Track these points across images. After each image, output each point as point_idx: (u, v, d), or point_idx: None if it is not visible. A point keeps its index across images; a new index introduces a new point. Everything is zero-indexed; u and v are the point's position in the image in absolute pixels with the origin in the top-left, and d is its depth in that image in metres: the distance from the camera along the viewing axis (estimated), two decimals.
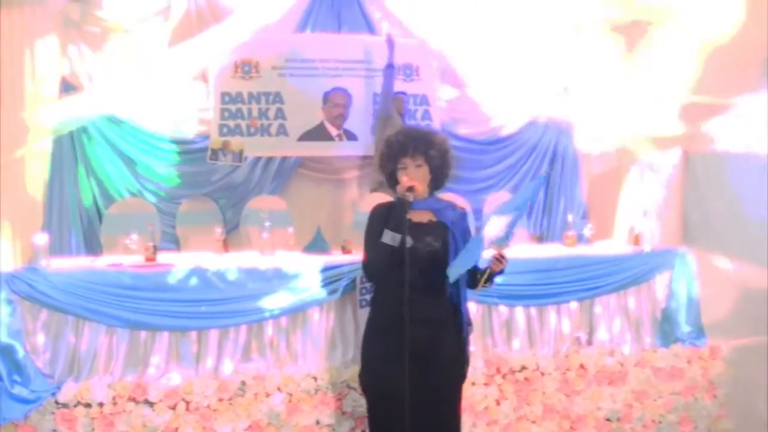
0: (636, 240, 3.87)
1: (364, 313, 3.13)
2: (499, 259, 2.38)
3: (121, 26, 4.49)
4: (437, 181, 2.52)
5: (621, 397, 3.42)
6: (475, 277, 2.47)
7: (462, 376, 2.55)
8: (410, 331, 2.28)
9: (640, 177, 4.57)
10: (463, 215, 2.58)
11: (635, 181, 4.53)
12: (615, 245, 4.07)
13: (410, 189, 2.39)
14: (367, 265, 2.50)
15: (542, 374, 3.34)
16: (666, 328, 3.60)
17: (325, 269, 3.19)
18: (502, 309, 3.41)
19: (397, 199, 2.41)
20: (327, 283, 3.18)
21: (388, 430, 2.46)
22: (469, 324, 2.59)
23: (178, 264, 3.15)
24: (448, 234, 2.46)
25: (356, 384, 3.10)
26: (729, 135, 4.21)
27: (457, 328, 2.49)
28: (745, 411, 3.53)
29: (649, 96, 4.68)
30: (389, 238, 2.36)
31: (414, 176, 2.44)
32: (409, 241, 2.33)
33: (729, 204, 3.71)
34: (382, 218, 2.43)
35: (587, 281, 3.51)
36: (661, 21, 4.75)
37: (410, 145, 2.46)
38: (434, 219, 2.50)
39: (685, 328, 3.59)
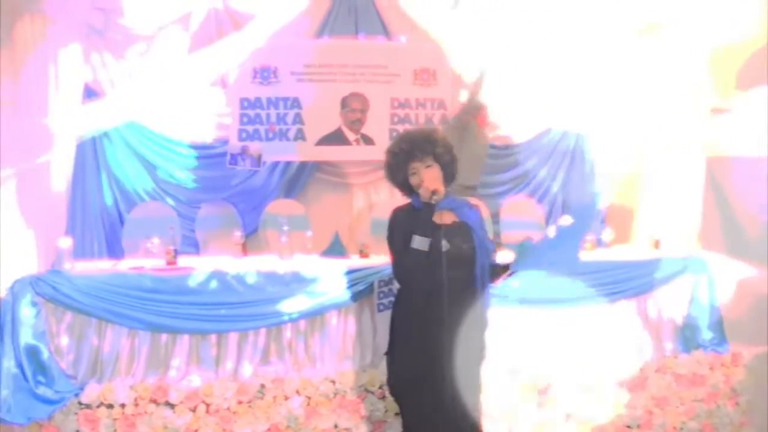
0: (656, 245, 3.83)
1: (382, 317, 3.16)
2: None
3: (143, 33, 4.56)
4: (448, 178, 2.52)
5: (641, 404, 3.39)
6: (495, 271, 2.51)
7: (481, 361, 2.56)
8: (442, 332, 2.35)
9: (660, 182, 4.53)
10: (479, 214, 2.58)
11: (655, 185, 4.49)
12: (634, 250, 4.03)
13: (435, 192, 2.39)
14: (399, 271, 2.49)
15: (562, 380, 3.32)
16: (687, 334, 3.55)
17: (344, 273, 3.21)
18: (521, 313, 3.39)
19: (423, 204, 2.41)
20: (345, 287, 3.19)
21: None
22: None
23: (198, 268, 3.19)
24: (473, 234, 2.47)
25: (374, 388, 3.11)
26: (749, 138, 4.16)
27: (482, 326, 2.51)
28: (767, 418, 3.48)
29: (669, 100, 4.64)
30: (419, 243, 2.36)
31: (430, 178, 2.44)
32: (445, 245, 2.37)
33: (750, 209, 3.66)
34: (404, 222, 2.44)
35: (606, 286, 3.48)
36: (681, 24, 4.72)
37: (416, 149, 2.47)
38: (457, 219, 2.50)
39: (706, 335, 3.54)
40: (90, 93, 4.46)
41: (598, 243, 3.97)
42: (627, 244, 4.32)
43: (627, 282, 3.53)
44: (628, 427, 3.38)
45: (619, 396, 3.37)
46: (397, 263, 2.48)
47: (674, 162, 4.26)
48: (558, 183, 5.12)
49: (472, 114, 4.37)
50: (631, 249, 4.10)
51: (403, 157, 2.48)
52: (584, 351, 3.42)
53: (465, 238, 2.46)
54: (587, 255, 3.76)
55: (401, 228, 2.44)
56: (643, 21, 5.01)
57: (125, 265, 3.35)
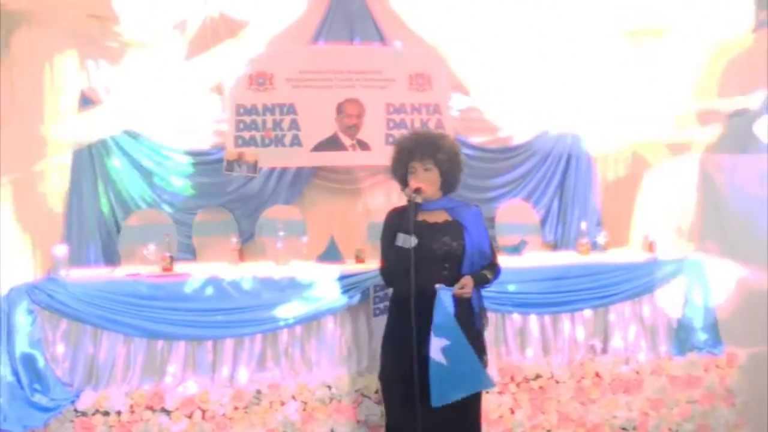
0: (650, 247, 3.85)
1: (378, 322, 3.18)
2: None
3: (138, 41, 4.58)
4: (449, 183, 2.58)
5: (637, 406, 3.40)
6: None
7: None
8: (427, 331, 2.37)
9: (655, 184, 4.55)
10: (478, 213, 2.62)
11: (650, 187, 4.50)
12: (629, 253, 4.05)
13: (417, 191, 2.46)
14: (384, 271, 2.56)
15: (557, 382, 3.33)
16: (681, 336, 3.56)
17: (339, 278, 3.22)
18: (516, 317, 3.41)
19: (408, 203, 2.47)
20: (341, 292, 3.20)
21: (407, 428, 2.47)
22: (485, 317, 2.63)
23: (194, 274, 3.20)
24: (464, 232, 2.51)
25: (370, 392, 3.12)
26: (742, 138, 4.18)
27: (474, 325, 2.52)
28: (762, 419, 3.48)
29: (663, 101, 4.66)
30: (401, 240, 2.42)
31: (423, 179, 2.50)
32: (413, 241, 2.39)
33: (744, 209, 3.68)
34: (396, 222, 2.50)
35: (601, 289, 3.50)
36: (674, 25, 4.74)
37: (418, 150, 2.54)
38: (450, 218, 2.55)
39: (701, 336, 3.56)
40: (86, 101, 4.46)
41: (594, 246, 3.99)
42: (623, 247, 4.33)
43: (622, 284, 3.54)
44: (623, 429, 3.38)
45: (615, 398, 3.38)
46: (382, 264, 2.55)
47: (668, 163, 4.27)
48: (554, 186, 5.13)
49: None
50: (626, 252, 4.11)
51: (406, 154, 2.56)
52: (579, 352, 3.44)
53: (455, 236, 2.50)
54: (583, 258, 3.79)
55: (390, 228, 2.51)
56: (638, 23, 5.03)
57: (121, 272, 3.37)
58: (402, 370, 2.41)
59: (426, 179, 2.50)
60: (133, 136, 4.59)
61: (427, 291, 2.39)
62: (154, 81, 4.55)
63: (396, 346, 2.50)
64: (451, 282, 2.46)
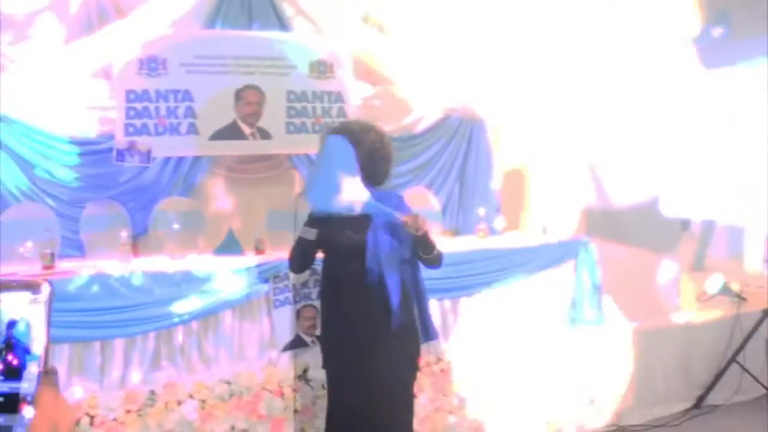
0: (544, 231, 4.03)
1: (278, 314, 3.13)
2: (409, 222, 2.48)
3: (12, 20, 4.20)
4: (369, 176, 2.60)
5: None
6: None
7: (412, 369, 2.67)
8: (347, 329, 2.50)
9: (549, 171, 4.76)
10: (400, 200, 2.71)
11: (545, 175, 4.72)
12: (525, 237, 4.22)
13: None
14: (289, 258, 2.71)
15: (457, 365, 3.42)
16: (572, 313, 3.78)
17: (237, 270, 3.12)
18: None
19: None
20: (239, 284, 3.11)
21: (341, 422, 2.56)
22: (435, 335, 2.78)
23: (78, 271, 2.99)
24: (369, 224, 2.51)
25: (272, 387, 3.06)
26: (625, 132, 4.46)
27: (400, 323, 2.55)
28: (645, 388, 3.77)
29: (558, 95, 4.87)
30: (302, 231, 2.58)
31: None
32: (308, 232, 2.56)
33: (625, 198, 3.94)
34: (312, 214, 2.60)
35: (498, 272, 3.62)
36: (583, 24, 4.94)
37: None
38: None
39: (589, 313, 3.78)
40: None
41: (492, 231, 4.12)
42: (518, 231, 4.51)
43: (517, 267, 3.69)
44: (520, 405, 3.53)
45: (508, 375, 3.52)
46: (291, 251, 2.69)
47: (559, 155, 4.49)
48: (455, 173, 5.24)
49: None
50: (521, 235, 4.29)
51: None
52: (475, 335, 3.55)
53: (358, 229, 2.49)
54: (481, 243, 3.91)
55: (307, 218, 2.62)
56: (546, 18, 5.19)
57: None
58: (334, 360, 2.58)
59: None
60: (7, 122, 4.21)
61: (349, 279, 2.52)
62: (31, 63, 4.20)
63: (327, 336, 2.63)
64: (361, 275, 2.48)
